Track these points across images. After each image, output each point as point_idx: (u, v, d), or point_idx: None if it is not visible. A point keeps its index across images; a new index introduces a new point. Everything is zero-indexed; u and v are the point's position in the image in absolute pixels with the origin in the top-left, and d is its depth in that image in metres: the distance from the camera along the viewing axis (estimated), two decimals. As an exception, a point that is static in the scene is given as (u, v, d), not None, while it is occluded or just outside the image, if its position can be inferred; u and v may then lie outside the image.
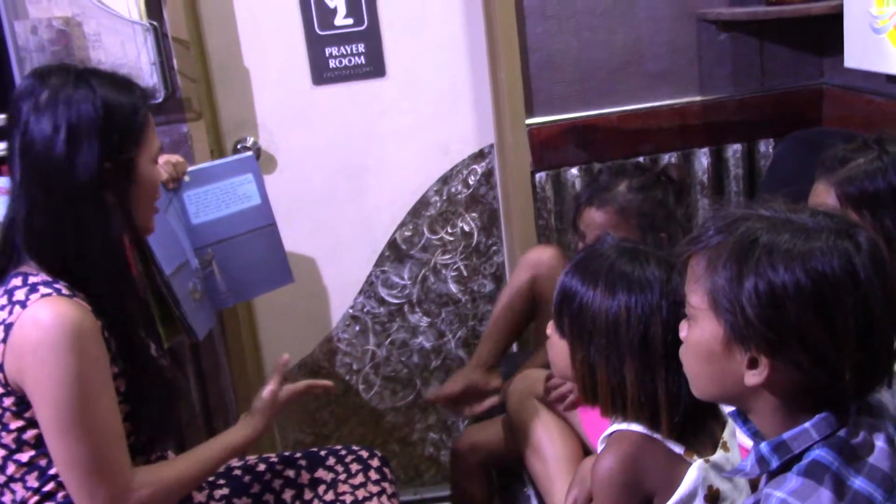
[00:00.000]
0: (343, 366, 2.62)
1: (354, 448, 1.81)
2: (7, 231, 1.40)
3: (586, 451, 1.71)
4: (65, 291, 1.35)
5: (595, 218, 1.87)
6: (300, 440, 2.65)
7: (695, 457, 1.28)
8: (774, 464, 1.00)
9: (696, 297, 1.02)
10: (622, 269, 1.31)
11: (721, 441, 1.34)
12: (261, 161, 2.42)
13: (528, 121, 2.32)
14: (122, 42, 2.17)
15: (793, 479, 0.95)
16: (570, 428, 1.80)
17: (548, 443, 1.78)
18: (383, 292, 2.57)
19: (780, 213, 0.99)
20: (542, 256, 2.16)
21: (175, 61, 2.20)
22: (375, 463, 1.78)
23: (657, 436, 1.27)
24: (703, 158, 2.37)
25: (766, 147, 2.37)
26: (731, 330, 0.97)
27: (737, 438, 1.37)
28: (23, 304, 1.33)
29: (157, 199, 1.50)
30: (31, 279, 1.36)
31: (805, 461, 0.96)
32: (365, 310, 2.58)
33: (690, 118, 2.35)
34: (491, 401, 2.15)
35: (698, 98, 2.35)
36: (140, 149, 1.41)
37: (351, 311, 2.58)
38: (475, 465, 2.07)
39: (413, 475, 2.72)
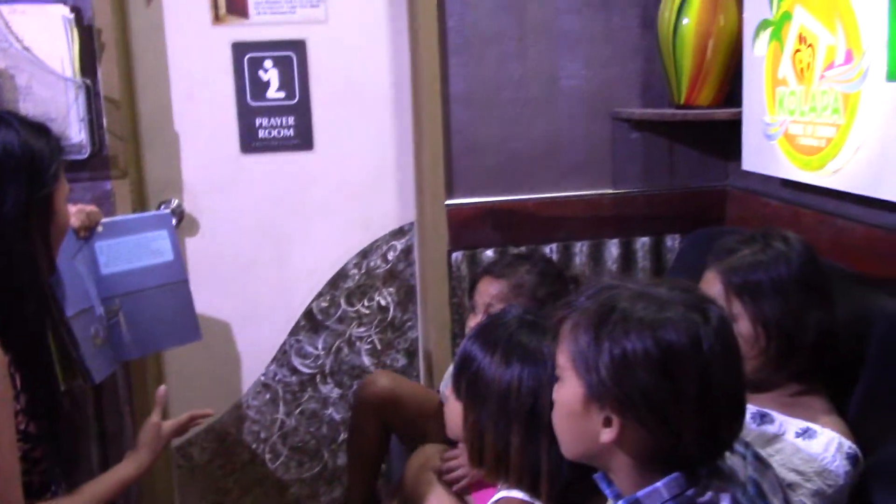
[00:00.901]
0: (250, 433, 2.60)
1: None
2: None
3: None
4: None
5: (489, 288, 1.94)
6: (201, 508, 2.61)
7: (576, 528, 1.33)
8: None
9: (562, 358, 1.08)
10: (519, 340, 1.37)
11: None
12: (183, 223, 2.45)
13: (448, 201, 2.40)
14: (53, 96, 2.20)
15: None
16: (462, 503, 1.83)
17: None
18: (296, 361, 2.59)
19: (640, 285, 1.06)
20: (379, 389, 2.26)
21: (105, 119, 2.23)
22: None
23: (537, 503, 1.32)
24: (612, 248, 2.47)
25: (672, 242, 2.48)
26: (588, 389, 1.04)
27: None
28: None
29: (63, 239, 1.53)
30: None
31: None
32: (276, 378, 2.59)
33: (602, 210, 2.46)
34: None
35: (610, 191, 2.47)
36: (58, 186, 1.45)
37: (262, 378, 2.58)
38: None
39: (314, 549, 2.70)
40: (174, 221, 2.05)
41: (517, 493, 1.32)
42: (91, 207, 1.91)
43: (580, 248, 2.46)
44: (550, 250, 2.44)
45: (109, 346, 1.85)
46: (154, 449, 1.64)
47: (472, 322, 1.95)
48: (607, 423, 1.04)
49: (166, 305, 1.98)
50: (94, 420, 2.35)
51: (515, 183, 2.43)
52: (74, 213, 1.85)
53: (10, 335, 1.39)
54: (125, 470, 1.59)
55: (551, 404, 1.28)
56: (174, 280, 2.01)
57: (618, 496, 1.13)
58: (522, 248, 2.41)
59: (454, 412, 1.40)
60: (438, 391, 2.25)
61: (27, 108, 2.19)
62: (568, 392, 1.08)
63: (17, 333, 1.40)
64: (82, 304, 1.79)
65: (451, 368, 1.99)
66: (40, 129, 1.45)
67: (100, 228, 1.90)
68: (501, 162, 2.41)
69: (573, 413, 1.08)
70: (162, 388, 1.73)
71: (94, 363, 1.75)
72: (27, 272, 1.40)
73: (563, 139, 2.43)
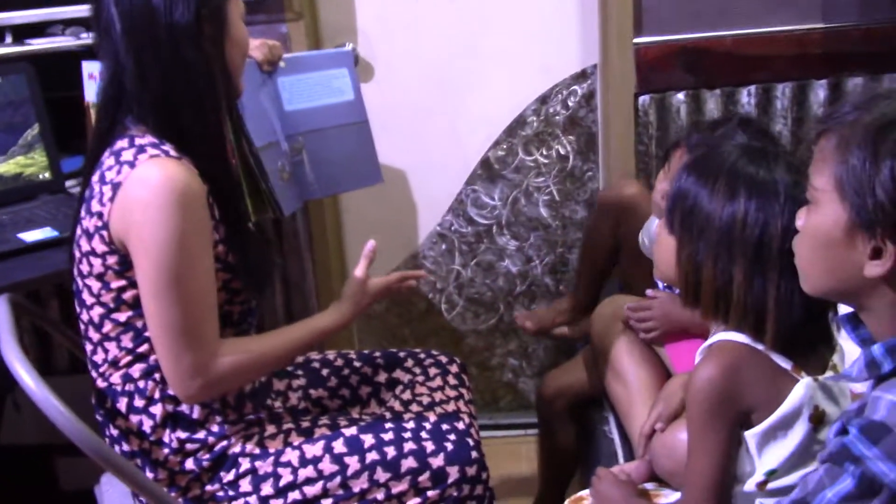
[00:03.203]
0: (426, 283, 2.59)
1: (434, 353, 1.78)
2: (108, 94, 1.40)
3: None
4: (172, 153, 1.36)
5: (681, 162, 1.75)
6: (378, 355, 2.64)
7: (802, 374, 1.21)
8: (887, 367, 0.92)
9: (821, 179, 0.94)
10: (745, 170, 1.22)
11: (830, 364, 1.27)
12: (358, 68, 2.38)
13: (636, 40, 2.22)
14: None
15: None
16: (655, 355, 1.74)
17: (630, 367, 1.73)
18: (472, 212, 2.52)
19: None
20: (623, 196, 2.09)
21: (279, -42, 2.17)
22: (454, 369, 1.76)
23: (761, 346, 1.20)
24: (819, 91, 2.23)
25: (891, 81, 2.22)
26: (856, 215, 0.90)
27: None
28: (131, 164, 1.34)
29: (245, 59, 1.50)
30: (139, 140, 1.37)
31: None
32: (452, 228, 2.54)
33: (810, 46, 2.21)
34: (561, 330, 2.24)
35: (821, 25, 2.21)
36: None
37: (438, 228, 2.54)
38: (562, 410, 2.04)
39: (490, 400, 2.69)
40: (354, 60, 1.97)
41: (737, 336, 1.21)
42: (273, 41, 1.86)
43: (782, 92, 2.24)
44: (748, 93, 2.24)
45: (295, 182, 1.82)
46: (357, 302, 1.57)
47: (660, 185, 1.79)
48: (876, 253, 0.90)
49: (348, 145, 1.93)
50: (280, 284, 2.39)
51: (711, 18, 2.21)
52: (258, 45, 1.81)
53: (200, 159, 1.39)
54: (325, 319, 1.55)
55: (785, 234, 1.15)
56: (355, 120, 1.95)
57: (865, 341, 1.00)
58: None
59: (666, 248, 1.28)
60: None
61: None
62: (826, 218, 0.94)
63: (204, 155, 1.40)
64: (269, 138, 1.75)
65: (649, 221, 1.87)
66: None
67: (282, 64, 1.85)
68: (697, -6, 2.20)
69: (831, 242, 0.94)
70: (371, 242, 1.63)
71: (283, 196, 1.73)
72: (203, 82, 1.38)
73: (769, -33, 2.19)
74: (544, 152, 2.47)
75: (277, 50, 1.85)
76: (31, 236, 1.74)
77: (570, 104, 2.44)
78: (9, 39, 2.03)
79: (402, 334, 2.63)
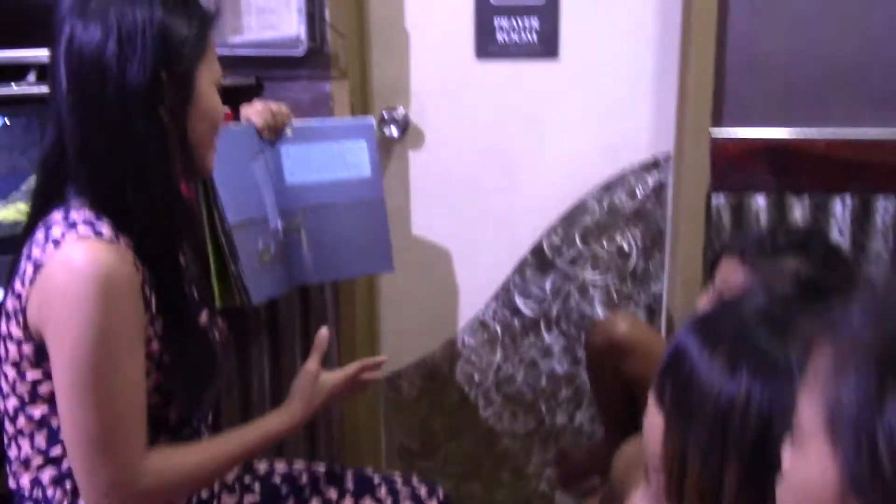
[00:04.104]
0: (464, 374, 2.34)
1: (414, 481, 1.54)
2: (49, 158, 1.24)
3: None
4: (106, 234, 1.18)
5: (732, 274, 1.45)
6: (406, 446, 2.41)
7: None
8: None
9: (808, 410, 0.66)
10: (755, 341, 0.94)
11: None
12: (407, 134, 2.19)
13: (714, 132, 1.94)
14: (273, -16, 1.99)
15: None
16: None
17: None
18: (519, 301, 2.27)
19: None
20: (613, 336, 1.88)
21: (327, 12, 2.00)
22: (433, 503, 1.51)
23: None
24: (931, 209, 1.89)
25: None
26: (849, 473, 0.61)
27: None
28: (56, 243, 1.17)
29: (216, 134, 1.32)
30: (73, 215, 1.20)
31: None
32: (497, 317, 2.29)
33: (922, 156, 1.88)
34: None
35: (937, 132, 1.88)
36: (199, 64, 1.25)
37: (481, 315, 2.30)
38: None
39: (521, 511, 2.42)
40: (375, 131, 1.77)
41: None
42: (280, 106, 1.68)
43: (883, 207, 1.91)
44: (843, 203, 1.92)
45: (282, 264, 1.62)
46: (310, 401, 1.39)
47: (702, 301, 1.52)
48: None
49: (357, 226, 1.72)
50: (300, 341, 2.20)
51: (804, 114, 1.91)
52: (259, 109, 1.64)
53: (143, 240, 1.21)
54: (272, 422, 1.36)
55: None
56: (369, 198, 1.74)
57: None
58: (796, 218, 1.89)
59: (654, 426, 1.01)
60: None
61: (246, -4, 2.01)
62: (811, 470, 0.65)
63: (147, 237, 1.22)
64: (251, 213, 1.56)
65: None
66: (183, 1, 1.24)
67: (288, 131, 1.66)
68: (788, 85, 1.90)
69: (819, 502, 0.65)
70: (323, 330, 1.44)
71: (255, 281, 1.53)
72: (153, 158, 1.20)
73: (876, 59, 1.87)
74: (604, 245, 2.20)
75: (283, 116, 1.67)
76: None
77: (638, 195, 2.16)
78: (32, 78, 1.93)
79: (431, 427, 2.39)
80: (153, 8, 1.19)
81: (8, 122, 1.82)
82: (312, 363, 1.41)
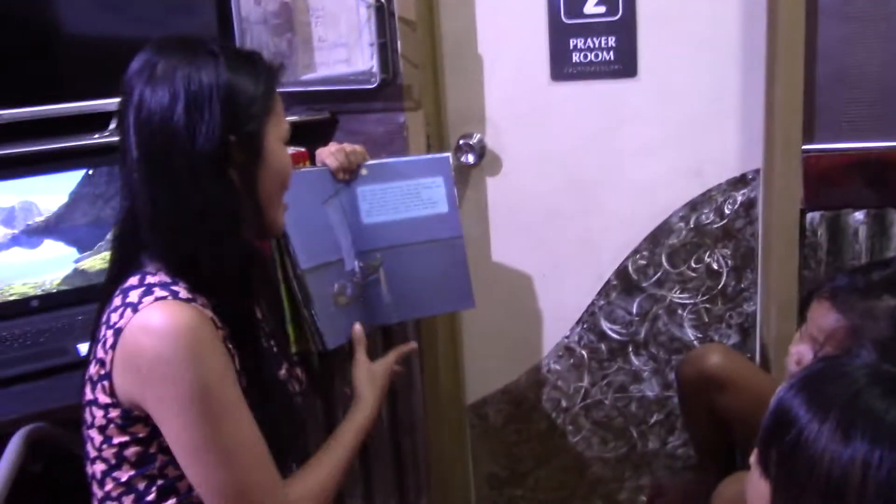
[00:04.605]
0: (550, 401, 2.30)
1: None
2: (123, 226, 1.25)
3: None
4: (182, 294, 1.19)
5: (822, 319, 1.38)
6: (494, 473, 2.38)
7: None
8: None
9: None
10: (870, 405, 0.88)
11: None
12: (484, 161, 2.15)
13: (806, 146, 1.86)
14: (345, 18, 1.98)
15: None
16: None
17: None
18: (605, 326, 2.22)
19: None
20: (706, 369, 1.84)
21: (399, 43, 1.98)
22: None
23: None
24: None
25: None
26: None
27: None
28: (134, 308, 1.17)
29: (285, 190, 1.31)
30: (149, 279, 1.21)
31: None
32: (582, 342, 2.24)
33: None
34: None
35: None
36: (267, 122, 1.24)
37: (566, 341, 2.25)
38: None
39: (614, 538, 2.36)
40: (452, 164, 1.73)
41: None
42: (354, 147, 1.66)
43: None
44: (949, 218, 1.81)
45: (360, 306, 1.60)
46: (374, 385, 1.51)
47: (795, 347, 1.44)
48: None
49: (436, 264, 1.69)
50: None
51: (903, 124, 1.81)
52: (333, 151, 1.63)
53: (219, 300, 1.22)
54: (356, 417, 1.45)
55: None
56: (447, 236, 1.70)
57: None
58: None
59: (759, 496, 0.95)
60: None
61: (318, 32, 2.00)
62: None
63: (222, 296, 1.22)
64: (326, 257, 1.54)
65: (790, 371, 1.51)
66: (248, 60, 1.24)
67: (364, 171, 1.64)
68: (885, 97, 1.80)
69: None
70: (356, 325, 1.57)
71: (331, 325, 1.51)
72: (224, 220, 1.20)
73: (981, 65, 1.76)
74: (693, 265, 2.13)
75: (358, 156, 1.65)
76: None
77: (727, 212, 2.08)
78: (113, 127, 1.96)
79: (519, 454, 2.35)
80: (219, 70, 1.19)
81: (91, 173, 1.85)
82: (360, 355, 1.53)
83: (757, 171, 2.04)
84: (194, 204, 1.18)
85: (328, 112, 2.05)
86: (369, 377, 1.51)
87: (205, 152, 1.17)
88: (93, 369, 1.22)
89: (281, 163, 1.28)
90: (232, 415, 1.18)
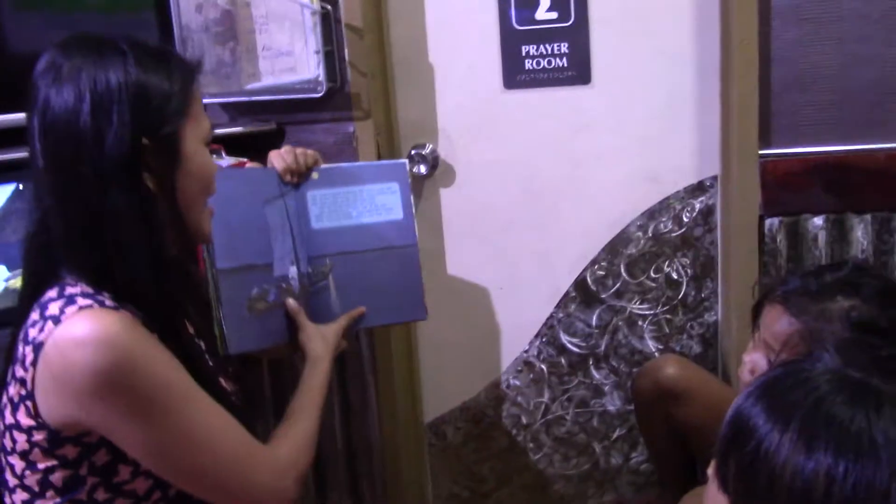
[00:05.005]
0: (510, 417, 2.23)
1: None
2: (35, 237, 1.17)
3: None
4: (108, 303, 1.11)
5: (774, 323, 1.34)
6: (455, 494, 2.31)
7: None
8: None
9: None
10: (833, 413, 0.83)
11: None
12: (437, 172, 2.10)
13: (763, 151, 1.82)
14: (289, 26, 1.92)
15: None
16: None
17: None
18: (565, 339, 2.16)
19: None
20: (661, 380, 1.79)
21: (346, 51, 1.92)
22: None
23: None
24: None
25: None
26: None
27: None
28: (56, 320, 1.09)
29: (209, 194, 1.24)
30: (69, 290, 1.13)
31: None
32: (542, 356, 2.18)
33: None
34: None
35: None
36: (184, 123, 1.17)
37: (525, 355, 2.19)
38: None
39: (579, 558, 2.29)
40: (408, 171, 1.67)
41: None
42: (306, 150, 1.60)
43: (953, 220, 1.77)
44: (907, 221, 1.78)
45: (280, 318, 1.50)
46: (324, 342, 1.47)
47: (748, 356, 1.39)
48: None
49: (388, 272, 1.62)
50: (337, 391, 2.11)
51: (859, 128, 1.78)
52: (282, 153, 1.57)
53: (146, 310, 1.15)
54: (312, 373, 1.42)
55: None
56: (402, 243, 1.64)
57: None
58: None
59: (715, 508, 0.89)
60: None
61: (262, 40, 1.94)
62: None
63: (149, 307, 1.15)
64: (251, 259, 1.45)
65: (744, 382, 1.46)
66: (161, 57, 1.16)
67: (314, 175, 1.58)
68: (840, 99, 1.77)
69: None
70: (289, 299, 1.52)
71: (238, 329, 1.41)
72: (141, 230, 1.13)
73: (936, 65, 1.74)
74: (652, 275, 2.08)
75: (308, 158, 1.59)
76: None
77: (685, 220, 2.04)
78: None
79: (480, 473, 2.28)
80: (127, 68, 1.11)
81: (21, 188, 1.77)
82: (303, 319, 1.50)
83: (714, 178, 2.00)
84: (106, 213, 1.11)
85: (275, 123, 1.98)
86: (318, 334, 1.48)
87: (114, 157, 1.10)
88: (12, 390, 1.14)
89: (201, 166, 1.20)
90: (194, 399, 1.14)
